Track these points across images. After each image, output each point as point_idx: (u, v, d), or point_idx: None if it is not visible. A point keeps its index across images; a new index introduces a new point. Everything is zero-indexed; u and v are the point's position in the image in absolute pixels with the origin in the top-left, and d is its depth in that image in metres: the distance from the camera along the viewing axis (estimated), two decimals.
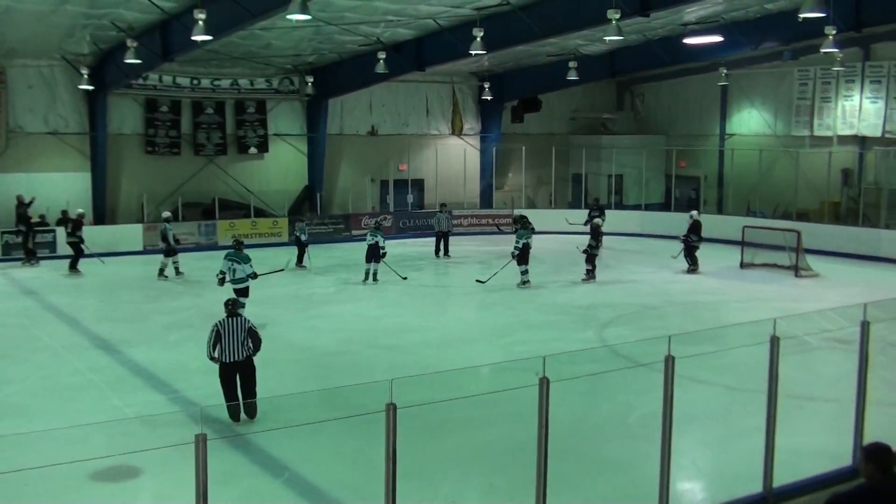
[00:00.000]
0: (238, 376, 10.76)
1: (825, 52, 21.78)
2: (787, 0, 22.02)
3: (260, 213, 28.53)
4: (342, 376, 13.07)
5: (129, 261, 24.54)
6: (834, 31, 19.96)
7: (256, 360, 14.09)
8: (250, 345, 10.86)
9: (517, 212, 28.02)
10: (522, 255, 20.39)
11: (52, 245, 24.80)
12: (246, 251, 16.81)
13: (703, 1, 20.77)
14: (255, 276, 16.57)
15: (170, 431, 9.91)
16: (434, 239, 25.50)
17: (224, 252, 17.65)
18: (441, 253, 25.17)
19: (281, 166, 30.19)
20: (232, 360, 10.69)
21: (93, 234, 25.34)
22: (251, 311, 17.76)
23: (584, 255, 21.12)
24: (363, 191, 31.08)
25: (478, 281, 20.85)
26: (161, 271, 21.95)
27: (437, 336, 16.14)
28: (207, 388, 12.39)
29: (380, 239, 21.32)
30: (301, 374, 13.70)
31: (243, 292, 16.27)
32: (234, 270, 16.41)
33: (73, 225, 23.16)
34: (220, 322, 10.78)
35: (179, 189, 27.62)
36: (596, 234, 21.39)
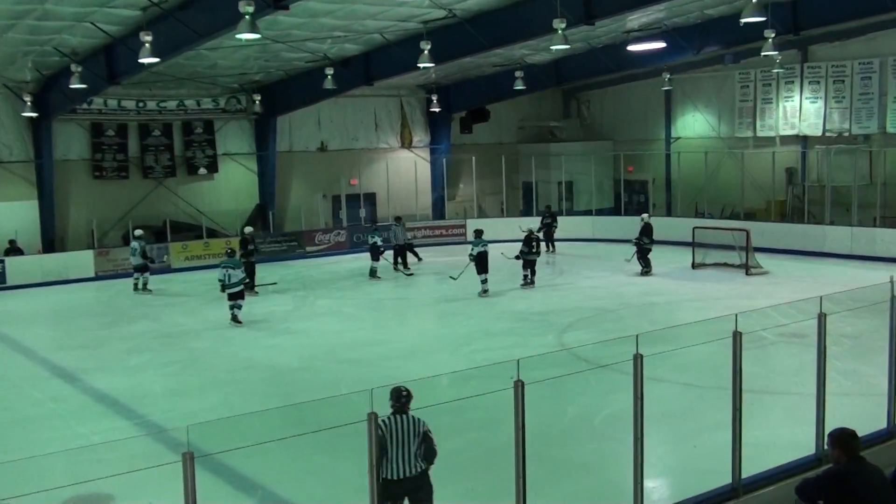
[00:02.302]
0: (408, 500, 7.54)
1: (765, 55, 22.36)
2: (727, 5, 22.55)
3: (212, 233, 28.33)
4: (306, 392, 13.08)
5: (81, 287, 24.21)
6: (773, 35, 20.52)
7: (218, 379, 14.19)
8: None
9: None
10: (481, 264, 20.57)
11: (0, 276, 24.37)
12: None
13: (645, 8, 21.16)
14: (248, 286, 18.57)
15: (139, 456, 9.84)
16: (391, 252, 25.49)
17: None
18: (400, 266, 25.20)
19: (231, 186, 30.03)
20: (401, 476, 7.35)
21: (43, 262, 25.08)
22: (211, 331, 17.85)
23: (521, 262, 21.52)
24: (315, 207, 31.03)
25: (451, 277, 21.49)
26: (144, 286, 23.06)
27: (399, 348, 16.21)
28: (173, 411, 12.42)
29: (377, 239, 23.69)
30: (266, 392, 13.68)
31: (239, 295, 18.30)
32: (230, 276, 18.17)
33: (241, 243, 22.72)
34: (384, 422, 7.22)
35: (129, 213, 27.29)
36: (528, 241, 21.62)
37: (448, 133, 33.73)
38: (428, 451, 7.47)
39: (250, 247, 22.54)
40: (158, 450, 10.42)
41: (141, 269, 23.26)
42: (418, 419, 7.48)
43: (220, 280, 18.37)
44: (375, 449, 6.69)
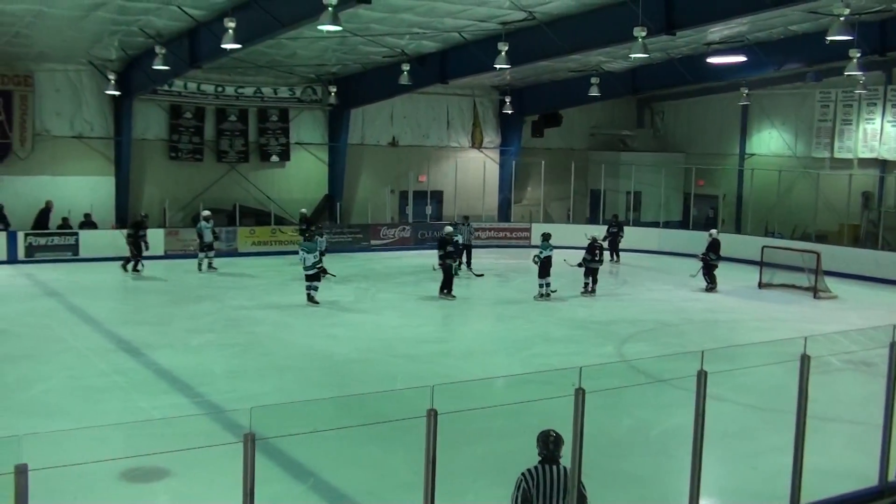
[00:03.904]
0: None
1: (848, 75, 21.84)
2: (812, 22, 22.08)
3: (280, 220, 28.71)
4: (363, 384, 13.20)
5: (150, 265, 24.67)
6: (858, 54, 20.03)
7: (276, 365, 14.37)
8: None
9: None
10: (544, 268, 20.51)
11: (74, 248, 25.01)
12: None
13: (728, 21, 20.85)
14: (322, 270, 19.43)
15: (196, 434, 10.01)
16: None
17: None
18: (463, 265, 25.19)
19: (302, 175, 30.38)
20: None
21: (115, 238, 25.64)
22: (273, 317, 18.09)
23: (583, 269, 21.44)
24: (382, 201, 31.22)
25: (564, 260, 21.52)
26: (209, 264, 23.99)
27: (456, 347, 16.25)
28: (232, 392, 12.61)
29: (459, 237, 23.32)
30: (321, 381, 13.81)
31: (314, 277, 19.28)
32: (305, 259, 19.24)
33: (441, 242, 21.35)
34: (529, 473, 6.28)
35: (201, 195, 27.80)
36: (591, 249, 21.46)
37: (519, 135, 33.68)
38: None
39: (449, 248, 21.14)
40: (215, 429, 10.61)
41: (208, 247, 24.10)
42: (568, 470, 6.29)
43: (300, 261, 19.55)
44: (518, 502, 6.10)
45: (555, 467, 6.27)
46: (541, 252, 20.74)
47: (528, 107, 32.71)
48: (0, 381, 13.03)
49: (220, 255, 24.87)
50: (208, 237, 24.23)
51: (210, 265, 24.09)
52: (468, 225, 25.76)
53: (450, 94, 31.72)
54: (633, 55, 17.93)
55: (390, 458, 9.82)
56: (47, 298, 19.84)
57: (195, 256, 24.45)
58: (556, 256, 21.04)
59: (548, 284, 20.65)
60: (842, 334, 13.16)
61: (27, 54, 24.49)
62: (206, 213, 24.77)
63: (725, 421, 11.14)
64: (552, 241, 21.03)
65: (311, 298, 19.25)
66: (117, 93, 25.04)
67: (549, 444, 6.35)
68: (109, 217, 26.67)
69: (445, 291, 20.83)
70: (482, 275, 24.13)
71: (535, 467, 6.30)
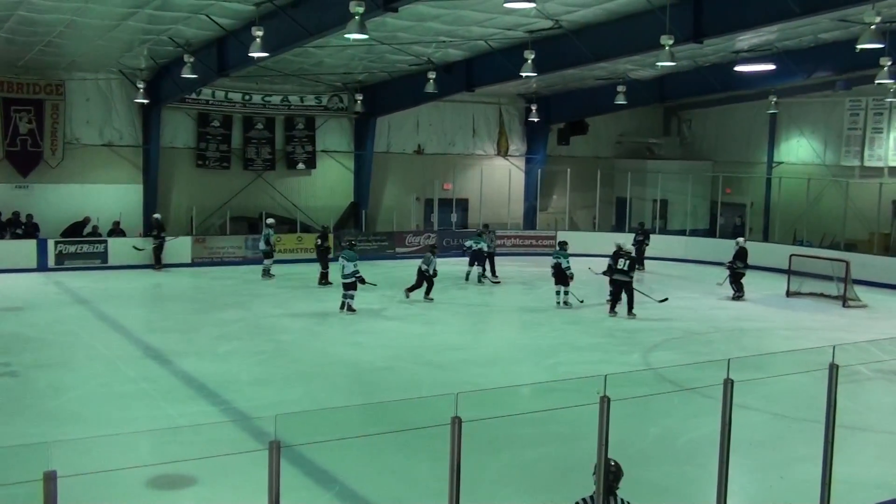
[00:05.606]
0: None
1: (879, 83, 21.64)
2: (842, 31, 21.91)
3: (306, 228, 28.83)
4: (388, 392, 13.21)
5: (177, 272, 24.91)
6: (889, 62, 19.86)
7: (302, 372, 14.42)
8: None
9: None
10: (557, 276, 20.46)
11: (103, 255, 25.22)
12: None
13: (756, 29, 20.71)
14: (361, 279, 19.25)
15: (223, 441, 10.07)
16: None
17: None
18: (488, 273, 25.19)
19: (327, 182, 30.50)
20: None
21: (144, 245, 25.84)
22: (299, 324, 18.17)
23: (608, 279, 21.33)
24: (408, 209, 31.29)
25: (589, 268, 21.43)
26: (265, 271, 24.02)
27: (482, 354, 16.22)
28: (258, 400, 12.66)
29: (483, 245, 23.80)
30: (348, 388, 13.86)
31: (350, 286, 19.24)
32: (344, 267, 19.22)
33: (614, 256, 19.86)
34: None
35: (228, 203, 27.99)
36: (616, 256, 21.30)
37: (545, 143, 33.65)
38: None
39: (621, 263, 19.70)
40: (242, 437, 10.67)
41: (267, 255, 24.19)
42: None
43: (339, 269, 19.65)
44: None
45: (612, 499, 5.95)
46: (552, 259, 20.62)
47: (555, 115, 32.67)
48: (30, 388, 13.19)
49: (246, 262, 25.00)
50: (262, 244, 24.34)
51: (267, 272, 24.16)
52: (490, 233, 25.77)
53: (476, 102, 31.77)
54: (660, 63, 17.90)
55: (415, 466, 9.82)
56: (77, 306, 20.03)
57: (222, 264, 24.54)
58: (581, 264, 20.95)
59: (565, 293, 20.57)
60: (872, 343, 13.03)
61: (59, 63, 24.81)
62: (271, 220, 25.00)
63: (753, 430, 11.06)
64: (570, 250, 21.04)
65: (347, 307, 19.28)
66: (146, 101, 25.29)
67: (607, 475, 5.95)
68: (138, 225, 26.89)
69: (616, 310, 19.71)
70: (499, 281, 24.13)
71: (591, 497, 5.98)
